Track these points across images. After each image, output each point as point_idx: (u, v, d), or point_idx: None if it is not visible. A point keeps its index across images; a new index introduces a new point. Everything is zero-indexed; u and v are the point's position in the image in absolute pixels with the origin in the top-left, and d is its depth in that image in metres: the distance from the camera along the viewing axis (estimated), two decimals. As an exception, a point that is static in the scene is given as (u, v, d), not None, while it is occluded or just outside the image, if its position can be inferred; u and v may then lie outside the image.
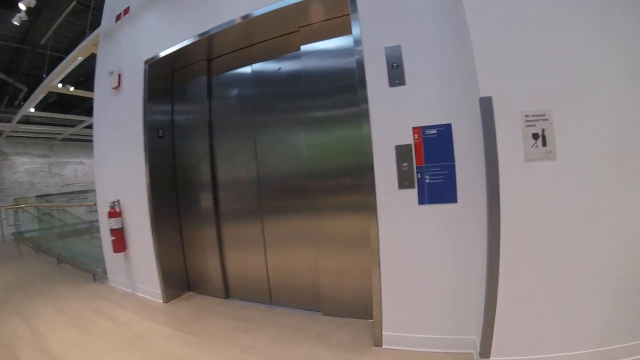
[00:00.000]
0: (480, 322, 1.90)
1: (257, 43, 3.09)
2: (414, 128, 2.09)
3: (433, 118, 2.06)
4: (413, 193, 2.10)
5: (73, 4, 6.33)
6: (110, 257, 4.03)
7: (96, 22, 5.05)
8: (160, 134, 3.55)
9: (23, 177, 12.31)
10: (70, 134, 12.34)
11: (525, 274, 1.77)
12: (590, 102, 1.68)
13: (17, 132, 11.18)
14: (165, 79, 3.64)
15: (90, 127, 10.36)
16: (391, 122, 2.14)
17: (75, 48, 5.52)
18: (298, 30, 2.81)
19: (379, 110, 2.17)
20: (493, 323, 1.81)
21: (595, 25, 1.68)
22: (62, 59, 6.44)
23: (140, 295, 3.68)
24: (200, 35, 2.97)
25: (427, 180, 2.07)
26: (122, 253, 3.77)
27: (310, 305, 2.93)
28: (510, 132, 1.73)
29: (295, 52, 2.89)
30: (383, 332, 2.26)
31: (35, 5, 4.92)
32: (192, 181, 3.57)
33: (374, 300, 2.26)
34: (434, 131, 2.05)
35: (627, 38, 1.67)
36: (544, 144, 1.70)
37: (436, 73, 2.06)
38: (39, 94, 7.40)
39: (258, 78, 3.14)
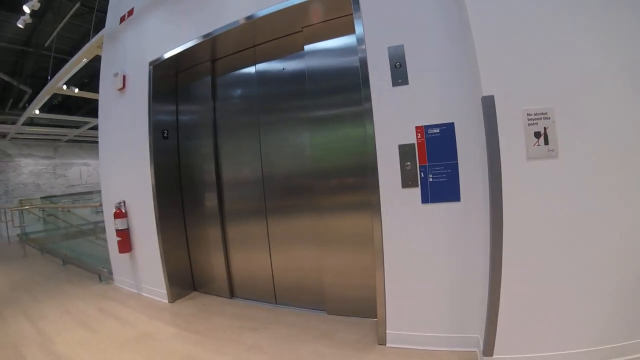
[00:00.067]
0: (483, 320, 1.91)
1: (261, 43, 3.11)
2: (417, 127, 2.10)
3: (436, 117, 2.07)
4: (416, 192, 2.11)
5: (77, 6, 6.36)
6: (116, 258, 4.05)
7: (100, 24, 5.07)
8: (165, 135, 3.57)
9: (28, 178, 12.38)
10: (75, 136, 12.39)
11: (528, 272, 1.77)
12: (592, 100, 1.69)
13: (21, 133, 11.24)
14: (170, 80, 3.66)
15: (95, 128, 10.44)
16: (394, 121, 2.15)
17: (79, 50, 5.53)
18: (301, 31, 2.83)
19: (382, 109, 2.18)
20: (496, 321, 1.81)
21: (598, 24, 1.69)
22: (66, 60, 6.47)
23: (146, 295, 3.70)
24: (204, 36, 2.98)
25: (430, 179, 2.08)
26: (127, 253, 3.80)
27: (314, 305, 2.94)
28: (513, 131, 1.74)
29: (298, 52, 2.90)
30: (387, 331, 2.26)
31: (39, 8, 4.94)
32: (197, 181, 3.59)
33: (378, 299, 2.27)
34: (437, 130, 2.06)
35: (629, 37, 1.67)
36: (546, 143, 1.71)
37: (439, 72, 2.07)
38: (43, 96, 7.43)
39: (262, 78, 3.16)
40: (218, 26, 2.89)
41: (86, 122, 10.83)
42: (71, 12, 6.46)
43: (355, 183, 2.64)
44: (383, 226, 2.20)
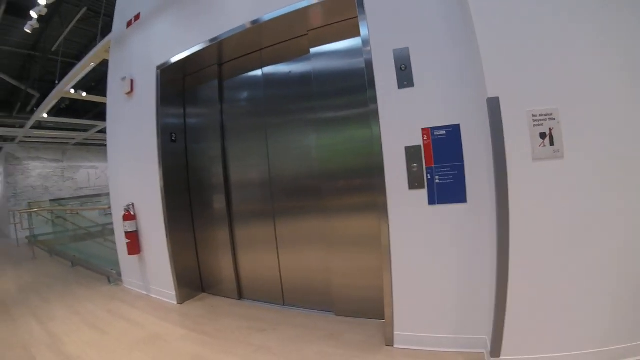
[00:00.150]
0: (490, 321, 1.91)
1: (267, 47, 3.14)
2: (423, 129, 2.10)
3: (442, 119, 2.08)
4: (423, 193, 2.12)
5: (83, 10, 6.41)
6: (125, 260, 4.08)
7: (107, 28, 5.12)
8: (173, 138, 3.60)
9: (36, 181, 12.49)
10: (83, 139, 12.48)
11: (535, 272, 1.78)
12: (597, 101, 1.69)
13: (29, 137, 11.33)
14: (178, 84, 3.69)
15: (102, 131, 10.54)
16: (400, 123, 2.16)
17: (86, 54, 5.59)
18: (307, 34, 2.84)
19: (389, 112, 2.19)
20: (503, 322, 1.82)
21: (601, 25, 1.69)
22: (73, 64, 6.53)
23: (155, 296, 3.73)
24: (211, 40, 3.01)
25: (437, 181, 2.09)
26: (136, 255, 3.83)
27: (322, 306, 2.95)
28: (518, 132, 1.74)
29: (304, 55, 2.92)
30: (395, 332, 2.27)
31: (46, 13, 4.99)
32: (205, 183, 3.61)
33: (385, 300, 2.27)
34: (443, 132, 2.07)
35: (632, 37, 1.67)
36: (552, 143, 1.71)
37: (444, 74, 2.08)
38: (51, 100, 7.49)
39: (268, 80, 3.18)
40: (224, 30, 2.91)
41: (94, 126, 10.90)
42: (78, 17, 6.51)
43: (361, 184, 2.65)
44: (390, 228, 2.21)
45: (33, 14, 4.90)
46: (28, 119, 9.37)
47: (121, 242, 4.01)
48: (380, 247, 2.26)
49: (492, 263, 1.91)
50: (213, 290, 3.70)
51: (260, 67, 3.22)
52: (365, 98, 2.30)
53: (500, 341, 1.83)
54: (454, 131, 2.05)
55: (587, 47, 1.70)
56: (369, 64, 2.24)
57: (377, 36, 2.23)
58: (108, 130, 4.29)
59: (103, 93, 4.71)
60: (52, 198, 11.59)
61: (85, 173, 14.03)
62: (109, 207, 4.41)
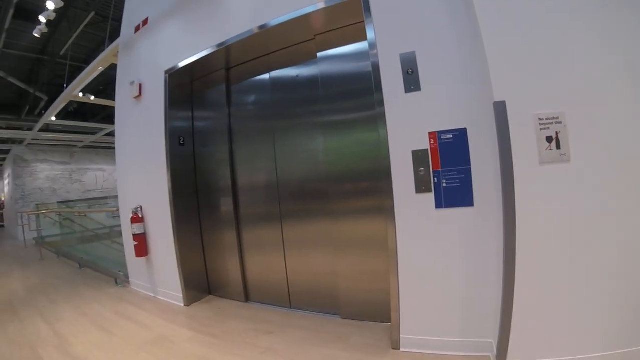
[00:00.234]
0: (497, 324, 1.91)
1: (275, 51, 3.16)
2: (430, 133, 2.11)
3: (448, 123, 2.09)
4: (430, 197, 2.12)
5: (91, 15, 6.48)
6: (132, 262, 4.12)
7: (115, 32, 5.17)
8: (181, 142, 3.63)
9: (44, 183, 12.61)
10: (91, 142, 12.59)
11: (542, 276, 1.78)
12: (603, 104, 1.70)
13: (38, 140, 11.46)
14: (186, 88, 3.73)
15: (110, 134, 10.64)
16: (407, 127, 2.17)
17: (94, 58, 5.66)
18: (314, 38, 2.86)
19: (396, 116, 2.20)
20: (509, 325, 1.81)
21: (607, 28, 1.70)
22: (81, 68, 6.61)
23: (162, 298, 3.75)
24: (219, 45, 3.04)
25: (444, 185, 2.09)
26: (144, 257, 3.86)
27: (329, 309, 2.95)
28: (525, 136, 1.75)
29: (312, 59, 2.94)
30: (401, 335, 2.27)
31: (55, 18, 5.06)
32: (213, 186, 3.64)
33: (392, 303, 2.28)
34: (450, 136, 2.08)
35: (638, 39, 1.68)
36: (558, 147, 1.72)
37: (450, 78, 2.09)
38: (60, 103, 7.57)
39: (276, 84, 3.21)
40: (232, 35, 2.94)
41: (102, 129, 11.00)
42: (86, 22, 6.57)
43: (368, 188, 2.65)
44: (397, 231, 2.21)
45: (42, 19, 4.98)
46: (36, 121, 9.47)
47: (129, 244, 4.04)
48: (386, 250, 2.27)
49: (498, 266, 1.91)
50: (220, 292, 3.71)
51: (268, 72, 3.24)
52: (372, 101, 2.32)
53: (507, 345, 1.83)
54: (461, 135, 2.06)
55: (593, 51, 1.70)
56: (376, 68, 2.25)
57: (383, 40, 2.25)
58: (116, 134, 4.33)
59: (111, 96, 4.76)
60: (59, 200, 11.68)
61: (92, 176, 14.14)
62: (117, 210, 4.45)
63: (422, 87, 2.15)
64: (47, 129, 10.34)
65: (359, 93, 2.65)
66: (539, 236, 1.76)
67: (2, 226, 16.50)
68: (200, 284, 3.71)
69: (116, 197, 4.44)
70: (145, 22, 3.87)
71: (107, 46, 5.19)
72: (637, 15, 1.68)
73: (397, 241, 2.22)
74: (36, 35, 5.41)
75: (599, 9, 1.70)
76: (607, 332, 1.75)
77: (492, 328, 2.01)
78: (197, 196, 3.75)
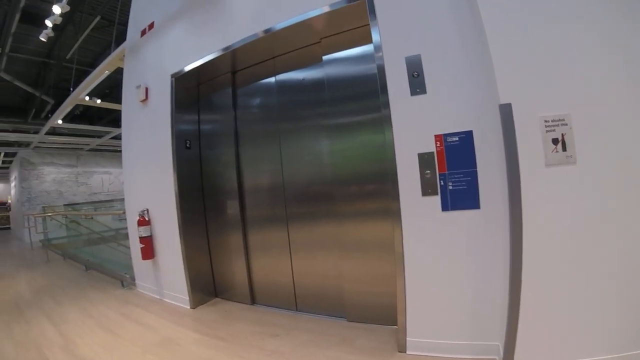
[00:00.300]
0: (503, 327, 1.91)
1: (280, 55, 3.18)
2: (435, 136, 2.11)
3: (454, 125, 2.09)
4: (436, 200, 2.12)
5: (97, 19, 6.54)
6: (139, 264, 4.14)
7: (120, 36, 5.22)
8: (187, 145, 3.65)
9: (51, 186, 12.70)
10: (97, 145, 12.68)
11: (548, 278, 1.77)
12: (609, 105, 1.69)
13: (44, 143, 11.55)
14: (192, 91, 3.75)
15: (116, 137, 10.71)
16: (413, 130, 2.17)
17: (100, 62, 5.71)
18: (320, 42, 2.87)
19: (401, 119, 2.20)
20: (516, 328, 1.81)
21: (612, 29, 1.70)
22: (87, 72, 6.66)
23: (168, 301, 3.76)
24: (224, 49, 3.05)
25: (450, 187, 2.09)
26: (150, 260, 3.87)
27: (335, 311, 2.95)
28: (531, 138, 1.75)
29: (317, 62, 2.94)
30: (407, 338, 2.26)
31: (61, 22, 5.10)
32: (219, 189, 3.65)
33: (398, 306, 2.27)
34: (456, 138, 2.07)
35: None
36: (564, 149, 1.72)
37: (456, 81, 2.09)
38: (66, 107, 7.63)
39: (282, 87, 3.22)
40: (237, 39, 2.96)
41: (108, 132, 11.08)
42: (92, 26, 6.64)
43: (374, 190, 2.66)
44: (404, 234, 2.21)
45: (48, 23, 5.02)
46: (42, 125, 9.55)
47: (135, 246, 4.05)
48: (392, 253, 2.27)
49: (504, 269, 1.91)
50: (226, 295, 3.72)
51: (274, 75, 3.26)
52: (377, 104, 2.32)
53: (513, 348, 1.83)
54: (467, 137, 2.05)
55: (598, 52, 1.70)
56: (381, 70, 2.26)
57: (389, 43, 2.25)
58: (123, 137, 4.36)
59: (117, 100, 4.79)
60: (66, 203, 11.75)
61: (99, 178, 14.23)
62: (123, 212, 4.47)
63: (427, 90, 2.15)
64: (53, 132, 10.43)
65: (365, 96, 2.65)
66: (545, 238, 1.76)
67: (9, 228, 16.65)
68: (206, 287, 3.72)
69: (122, 199, 4.46)
70: (151, 26, 3.90)
71: (113, 50, 5.25)
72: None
73: (404, 243, 2.21)
74: (42, 39, 5.45)
75: (605, 12, 1.70)
76: (615, 335, 1.74)
77: (499, 330, 2.00)
78: (203, 199, 3.77)
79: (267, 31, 2.77)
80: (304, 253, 3.13)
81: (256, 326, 2.94)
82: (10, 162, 14.62)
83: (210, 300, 3.70)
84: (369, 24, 2.33)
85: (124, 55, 4.50)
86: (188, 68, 3.37)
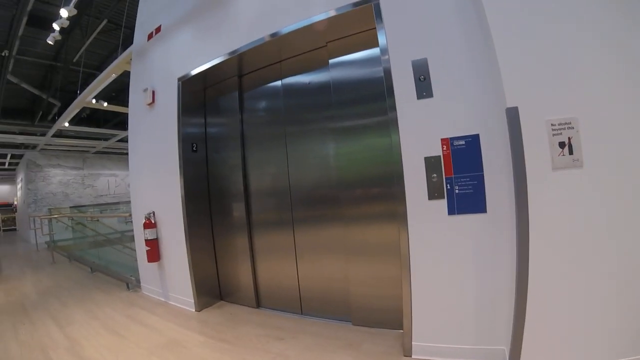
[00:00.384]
0: (509, 331, 1.90)
1: (287, 59, 3.19)
2: (442, 139, 2.11)
3: (461, 129, 2.09)
4: (443, 204, 2.12)
5: (104, 23, 6.60)
6: (144, 267, 4.14)
7: (127, 40, 5.26)
8: (194, 148, 3.66)
9: (57, 188, 12.79)
10: (103, 147, 12.76)
11: (555, 283, 1.77)
12: (616, 109, 1.69)
13: (50, 145, 11.64)
14: (198, 95, 3.76)
15: (122, 140, 10.77)
16: (420, 134, 2.18)
17: (107, 65, 5.76)
18: (326, 45, 2.88)
19: (408, 122, 2.21)
20: (522, 332, 1.80)
21: (619, 33, 1.70)
22: (94, 75, 6.72)
23: (173, 303, 3.76)
24: (231, 53, 3.07)
25: (457, 191, 2.09)
26: (156, 263, 3.88)
27: (340, 315, 2.95)
28: (537, 142, 1.75)
29: (323, 66, 2.95)
30: (413, 342, 2.26)
31: (68, 25, 5.15)
32: (225, 192, 3.66)
33: (404, 310, 2.27)
34: (462, 142, 2.07)
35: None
36: (571, 152, 1.71)
37: (462, 85, 2.09)
38: (73, 109, 7.68)
39: (288, 91, 3.23)
40: (244, 43, 2.97)
41: (114, 135, 11.14)
42: (98, 29, 6.70)
43: (380, 193, 2.66)
44: (410, 237, 2.21)
45: (55, 26, 5.06)
46: (49, 127, 9.62)
47: (141, 249, 4.06)
48: (398, 256, 2.27)
49: (511, 273, 1.90)
50: (231, 298, 3.72)
51: (280, 79, 3.27)
52: (383, 108, 2.32)
53: (519, 352, 1.82)
54: (473, 141, 2.05)
55: (605, 56, 1.70)
56: (388, 74, 2.26)
57: (395, 47, 2.26)
58: (129, 140, 4.38)
59: (124, 103, 4.82)
60: (72, 205, 11.82)
61: (105, 181, 14.32)
62: (130, 215, 4.49)
63: (434, 94, 2.15)
64: (60, 134, 10.51)
65: (371, 99, 2.65)
66: (552, 242, 1.76)
67: (15, 230, 16.76)
68: (212, 290, 3.72)
69: (128, 202, 4.47)
70: (157, 29, 3.93)
71: (120, 53, 5.28)
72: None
73: (410, 247, 2.21)
74: (50, 42, 5.49)
75: (612, 16, 1.71)
76: (622, 340, 1.73)
77: (505, 335, 2.00)
78: (209, 202, 3.77)
79: (273, 35, 2.79)
80: (310, 256, 3.13)
81: (261, 329, 2.94)
82: (17, 164, 14.72)
83: (215, 303, 3.70)
84: (375, 28, 2.33)
85: (130, 59, 4.54)
86: (195, 72, 3.39)
